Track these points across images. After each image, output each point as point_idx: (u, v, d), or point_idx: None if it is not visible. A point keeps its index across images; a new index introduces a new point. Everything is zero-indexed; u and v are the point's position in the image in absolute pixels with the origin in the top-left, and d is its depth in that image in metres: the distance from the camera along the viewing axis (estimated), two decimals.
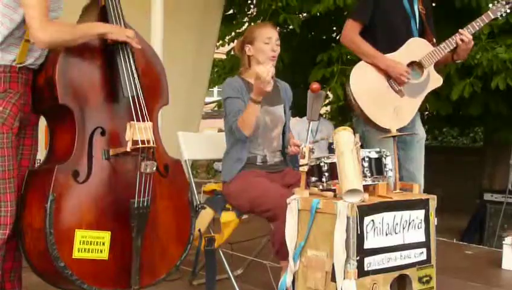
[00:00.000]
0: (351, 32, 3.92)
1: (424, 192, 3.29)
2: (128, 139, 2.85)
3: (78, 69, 2.90)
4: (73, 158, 2.84)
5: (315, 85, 3.06)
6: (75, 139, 2.86)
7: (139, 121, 2.92)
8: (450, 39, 3.87)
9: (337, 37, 7.68)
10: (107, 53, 2.98)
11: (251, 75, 3.54)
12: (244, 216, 3.48)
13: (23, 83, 2.85)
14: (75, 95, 2.87)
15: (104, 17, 3.02)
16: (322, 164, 2.92)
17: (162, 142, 3.15)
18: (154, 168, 2.92)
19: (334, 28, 7.64)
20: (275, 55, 3.55)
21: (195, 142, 3.95)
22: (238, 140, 3.48)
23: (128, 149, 2.85)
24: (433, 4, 5.45)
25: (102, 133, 2.93)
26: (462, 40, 3.84)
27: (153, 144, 2.92)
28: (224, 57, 8.12)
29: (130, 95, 2.94)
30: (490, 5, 3.99)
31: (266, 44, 3.54)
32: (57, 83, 2.81)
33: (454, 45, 3.86)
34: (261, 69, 3.23)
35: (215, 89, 11.34)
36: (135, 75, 2.99)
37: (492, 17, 3.93)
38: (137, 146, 2.86)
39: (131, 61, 3.00)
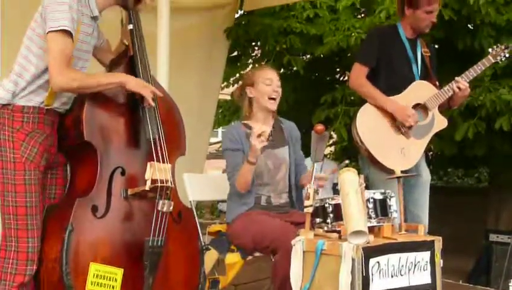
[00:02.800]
0: (358, 76, 3.97)
1: (430, 233, 3.30)
2: (147, 178, 2.95)
3: (104, 110, 3.04)
4: (93, 193, 2.95)
5: (319, 126, 3.08)
6: (96, 176, 2.97)
7: (159, 162, 3.01)
8: (450, 84, 3.93)
9: (341, 78, 7.74)
10: (132, 97, 3.10)
11: (253, 120, 3.61)
12: (249, 257, 3.47)
13: (49, 124, 2.99)
14: (100, 134, 3.01)
15: (131, 67, 3.17)
16: (326, 205, 2.93)
17: None
18: (171, 208, 3.00)
19: (338, 69, 7.70)
20: (276, 96, 3.60)
21: (200, 183, 3.99)
22: None
23: (147, 188, 2.95)
24: (436, 46, 5.50)
25: (122, 173, 3.05)
26: (458, 87, 3.89)
27: (171, 184, 3.01)
28: (228, 97, 8.18)
29: (152, 137, 3.05)
30: (490, 50, 4.07)
31: (268, 85, 3.60)
32: (84, 121, 2.95)
33: (452, 91, 3.92)
34: (257, 126, 3.34)
35: (220, 130, 11.39)
36: (158, 119, 3.11)
37: (493, 61, 4.03)
38: (156, 185, 2.95)
39: (155, 106, 3.12)
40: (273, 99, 3.60)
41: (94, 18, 3.08)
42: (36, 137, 2.92)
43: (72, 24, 2.86)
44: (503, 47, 4.06)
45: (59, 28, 2.83)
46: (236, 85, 7.55)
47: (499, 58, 4.06)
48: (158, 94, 3.13)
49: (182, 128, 3.39)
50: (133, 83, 3.02)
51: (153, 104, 3.09)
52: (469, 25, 6.16)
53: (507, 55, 4.08)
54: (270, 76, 3.62)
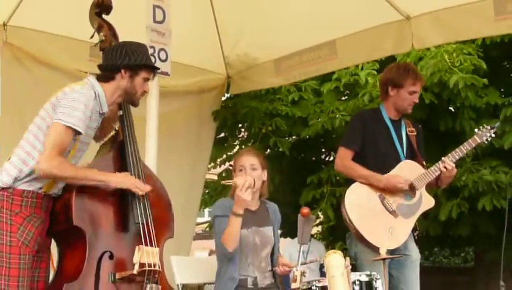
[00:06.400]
0: (344, 160, 4.06)
1: None
2: (135, 261, 2.97)
3: (93, 195, 3.08)
4: (81, 279, 2.94)
5: (305, 210, 3.14)
6: (84, 261, 2.98)
7: (148, 245, 3.04)
8: (437, 164, 4.00)
9: (327, 159, 7.85)
10: None
11: None
12: None
13: (44, 209, 3.05)
14: (89, 219, 3.04)
15: (121, 151, 3.26)
16: (313, 288, 2.95)
17: None
18: None
19: (323, 150, 7.82)
20: (247, 185, 3.57)
21: (188, 266, 3.99)
22: (229, 259, 3.52)
23: (135, 272, 2.96)
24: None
25: (111, 257, 3.06)
26: (445, 167, 3.97)
27: (159, 268, 3.03)
28: (215, 178, 8.22)
29: (140, 221, 3.10)
30: (476, 130, 4.15)
31: (240, 171, 3.66)
32: (73, 206, 2.99)
33: (439, 171, 3.99)
34: (239, 179, 3.42)
35: (206, 210, 11.37)
36: (146, 203, 3.16)
37: (479, 141, 4.09)
38: (144, 268, 2.96)
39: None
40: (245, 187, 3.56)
41: (101, 114, 3.20)
42: (33, 221, 2.97)
43: (84, 123, 3.00)
44: (488, 127, 4.13)
45: (68, 125, 2.94)
46: (223, 166, 7.63)
47: (484, 138, 4.12)
48: (145, 190, 3.17)
49: (171, 212, 3.43)
50: (114, 182, 3.08)
51: (141, 193, 3.15)
52: (450, 108, 6.34)
53: (493, 136, 4.16)
54: (242, 163, 3.69)
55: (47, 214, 3.07)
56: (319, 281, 2.96)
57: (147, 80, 3.27)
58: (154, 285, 2.99)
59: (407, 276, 4.02)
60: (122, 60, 3.18)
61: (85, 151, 3.22)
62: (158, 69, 3.42)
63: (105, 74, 3.21)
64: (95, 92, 3.12)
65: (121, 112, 3.35)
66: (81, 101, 3.00)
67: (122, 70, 3.18)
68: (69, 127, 2.95)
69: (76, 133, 2.99)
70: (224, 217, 3.57)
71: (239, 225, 3.45)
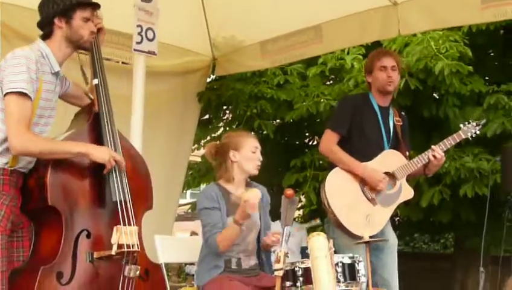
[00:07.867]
0: (329, 143, 4.07)
1: None
2: (113, 242, 2.90)
3: (69, 171, 2.98)
4: (58, 259, 2.88)
5: (289, 191, 3.14)
6: (61, 241, 2.91)
7: (125, 225, 2.97)
8: (423, 154, 4.04)
9: (310, 143, 7.86)
10: None
11: (230, 182, 3.64)
12: None
13: (13, 186, 2.93)
14: (65, 198, 2.94)
15: (96, 123, 3.13)
16: (296, 269, 2.97)
17: None
18: (138, 272, 2.95)
19: (307, 134, 7.83)
20: (260, 164, 3.65)
21: (170, 245, 3.98)
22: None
23: (113, 253, 2.90)
24: (402, 113, 5.67)
25: (88, 236, 2.99)
26: (434, 156, 4.00)
27: (138, 248, 2.97)
28: (199, 159, 8.22)
29: (118, 199, 3.01)
30: (461, 125, 4.19)
31: (253, 153, 3.65)
32: (48, 185, 2.89)
33: (427, 160, 4.02)
34: (248, 194, 3.34)
35: (189, 192, 11.35)
36: (124, 180, 3.07)
37: (463, 137, 4.14)
38: (123, 250, 2.90)
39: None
40: (258, 166, 3.66)
41: (55, 74, 3.08)
42: (2, 200, 2.87)
43: (31, 85, 2.87)
44: (474, 124, 4.19)
45: (16, 90, 2.83)
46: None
47: (469, 134, 4.17)
48: (121, 164, 3.08)
49: (149, 182, 3.35)
50: (96, 155, 2.99)
51: (122, 166, 3.08)
52: (434, 94, 6.37)
53: (478, 132, 4.21)
54: (257, 144, 3.70)
55: (17, 190, 2.97)
56: (302, 262, 2.98)
57: (87, 19, 3.11)
58: (133, 266, 2.94)
59: (384, 261, 4.06)
60: (51, 10, 3.05)
61: (50, 119, 3.09)
62: (92, 4, 3.16)
63: (45, 31, 3.10)
64: (41, 52, 3.01)
65: (96, 81, 3.20)
66: (22, 63, 2.88)
67: (56, 20, 3.05)
68: (18, 93, 2.83)
69: (27, 96, 2.86)
70: (213, 210, 3.54)
71: (239, 232, 3.43)
